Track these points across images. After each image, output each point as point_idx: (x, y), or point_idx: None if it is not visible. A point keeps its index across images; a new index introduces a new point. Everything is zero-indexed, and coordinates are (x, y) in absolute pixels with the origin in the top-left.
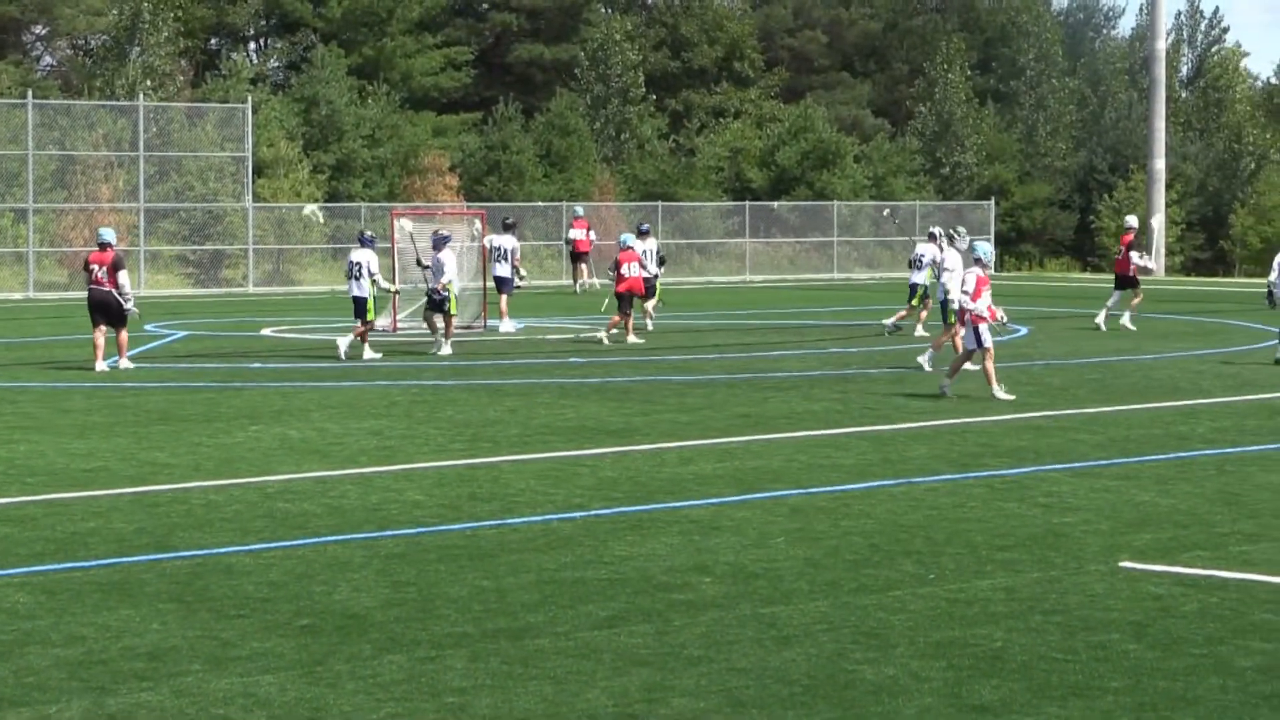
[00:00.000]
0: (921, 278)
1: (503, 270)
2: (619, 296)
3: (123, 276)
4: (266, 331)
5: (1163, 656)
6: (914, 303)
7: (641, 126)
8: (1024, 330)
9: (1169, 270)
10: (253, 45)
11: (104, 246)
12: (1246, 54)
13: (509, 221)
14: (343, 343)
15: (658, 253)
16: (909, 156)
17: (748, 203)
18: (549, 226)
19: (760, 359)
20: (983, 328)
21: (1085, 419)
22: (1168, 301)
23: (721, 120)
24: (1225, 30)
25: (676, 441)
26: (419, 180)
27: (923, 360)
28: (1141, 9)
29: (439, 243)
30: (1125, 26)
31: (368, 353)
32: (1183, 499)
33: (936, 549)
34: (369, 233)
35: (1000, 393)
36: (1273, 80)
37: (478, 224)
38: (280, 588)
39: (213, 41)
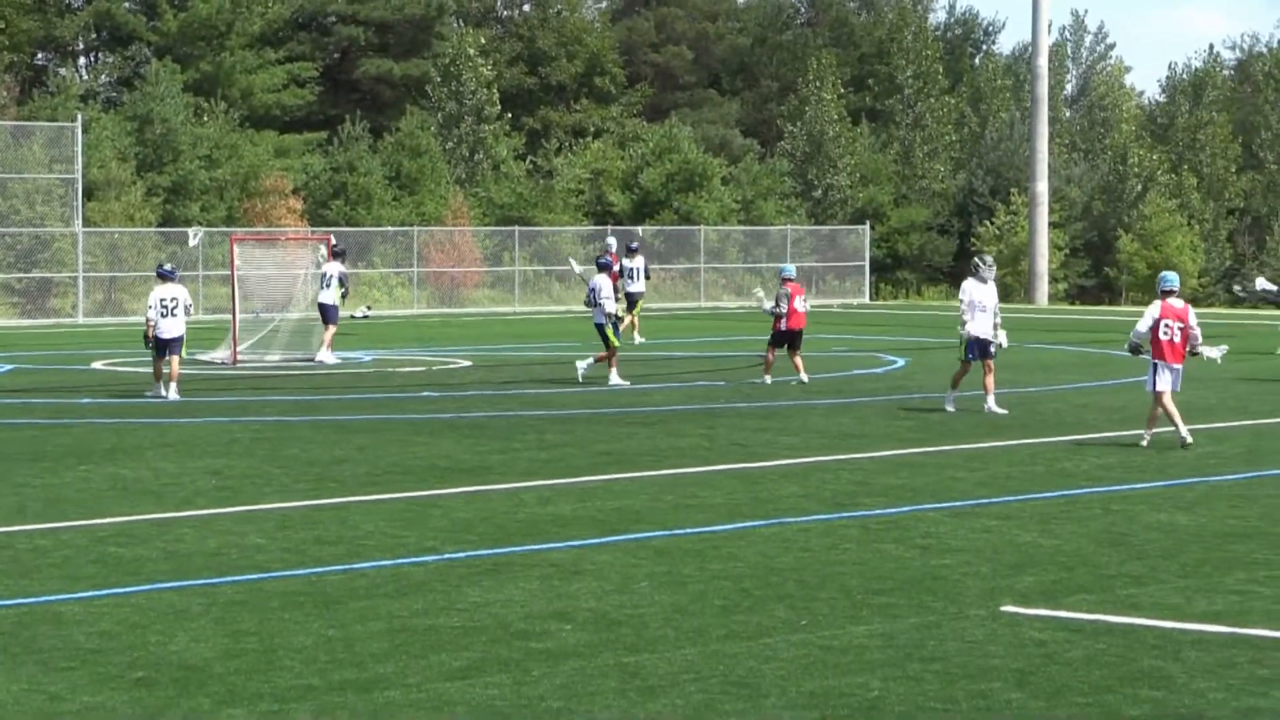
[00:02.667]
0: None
1: (326, 298)
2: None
3: None
4: (98, 365)
5: (1047, 706)
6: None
7: (497, 146)
8: (901, 362)
9: (1052, 299)
10: (83, 60)
11: None
12: (1129, 68)
13: (338, 249)
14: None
15: (644, 269)
16: (779, 179)
17: (610, 227)
18: (399, 253)
19: (623, 393)
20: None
21: (965, 455)
22: (1052, 331)
23: (581, 140)
24: (1111, 46)
25: (535, 480)
26: (260, 204)
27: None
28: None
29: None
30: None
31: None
32: (1067, 539)
33: (809, 593)
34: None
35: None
36: (1159, 98)
37: (323, 250)
38: (113, 638)
39: (40, 56)
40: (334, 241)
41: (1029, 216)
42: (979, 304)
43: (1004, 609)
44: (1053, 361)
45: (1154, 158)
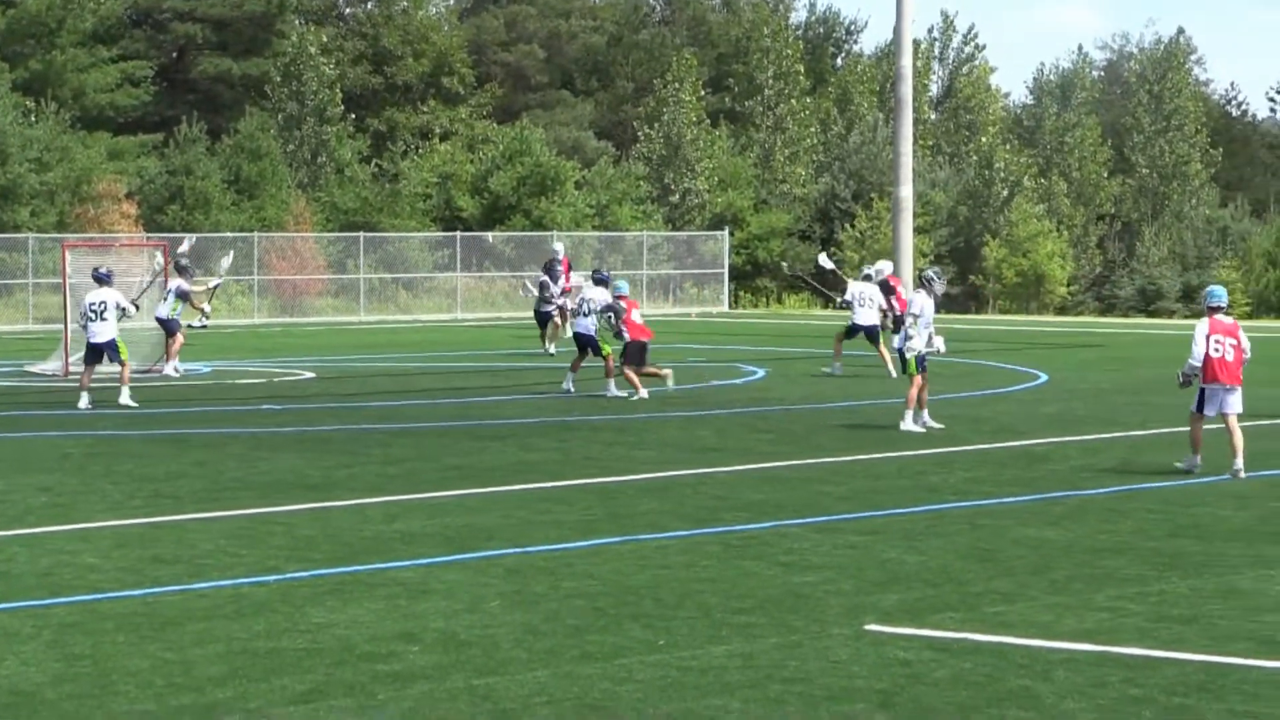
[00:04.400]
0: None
1: (162, 311)
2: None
3: None
4: None
5: None
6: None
7: (340, 149)
8: (761, 373)
9: None
10: None
11: None
12: (994, 69)
13: (183, 263)
14: (124, 397)
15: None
16: (635, 183)
17: (459, 233)
18: (238, 260)
19: (474, 405)
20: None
21: (829, 469)
22: None
23: (429, 142)
24: (981, 48)
25: (381, 496)
26: (93, 208)
27: (906, 424)
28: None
29: None
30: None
31: (125, 397)
32: (933, 555)
33: (667, 612)
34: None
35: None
36: (1027, 100)
37: (159, 257)
38: None
39: None
40: (185, 255)
41: (892, 222)
42: (927, 319)
43: (868, 627)
44: None
45: (1021, 161)
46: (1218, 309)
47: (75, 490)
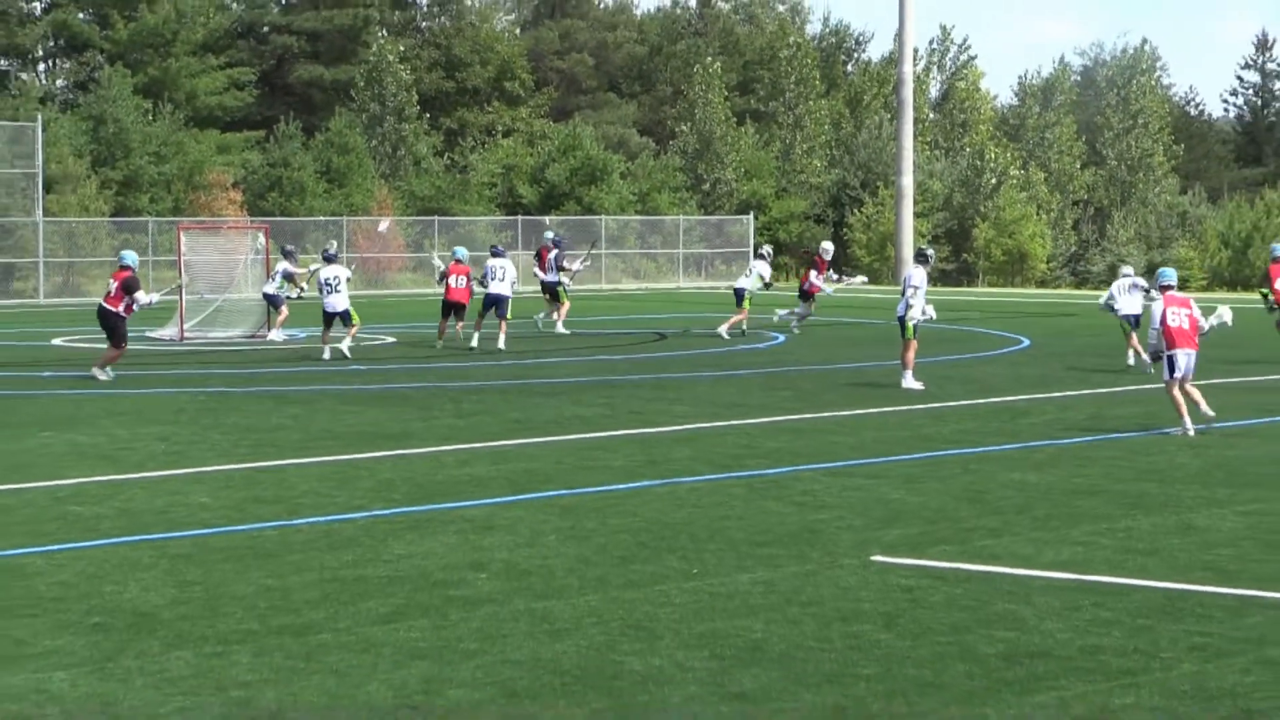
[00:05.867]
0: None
1: (269, 288)
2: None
3: (140, 295)
4: (57, 341)
5: (912, 645)
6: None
7: (417, 144)
8: (781, 338)
9: None
10: (42, 66)
11: (123, 268)
12: (982, 74)
13: (288, 249)
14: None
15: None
16: (672, 173)
17: (520, 217)
18: (326, 239)
19: (532, 366)
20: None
21: (839, 421)
22: None
23: (493, 138)
24: (974, 58)
25: (452, 445)
26: (204, 196)
27: (906, 383)
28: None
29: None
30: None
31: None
32: (930, 496)
33: (699, 545)
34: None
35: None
36: (1013, 102)
37: (260, 238)
38: (72, 587)
39: (2, 62)
40: (291, 248)
41: (895, 207)
42: (924, 289)
43: (874, 559)
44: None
45: (1007, 155)
46: (1168, 287)
47: (188, 439)
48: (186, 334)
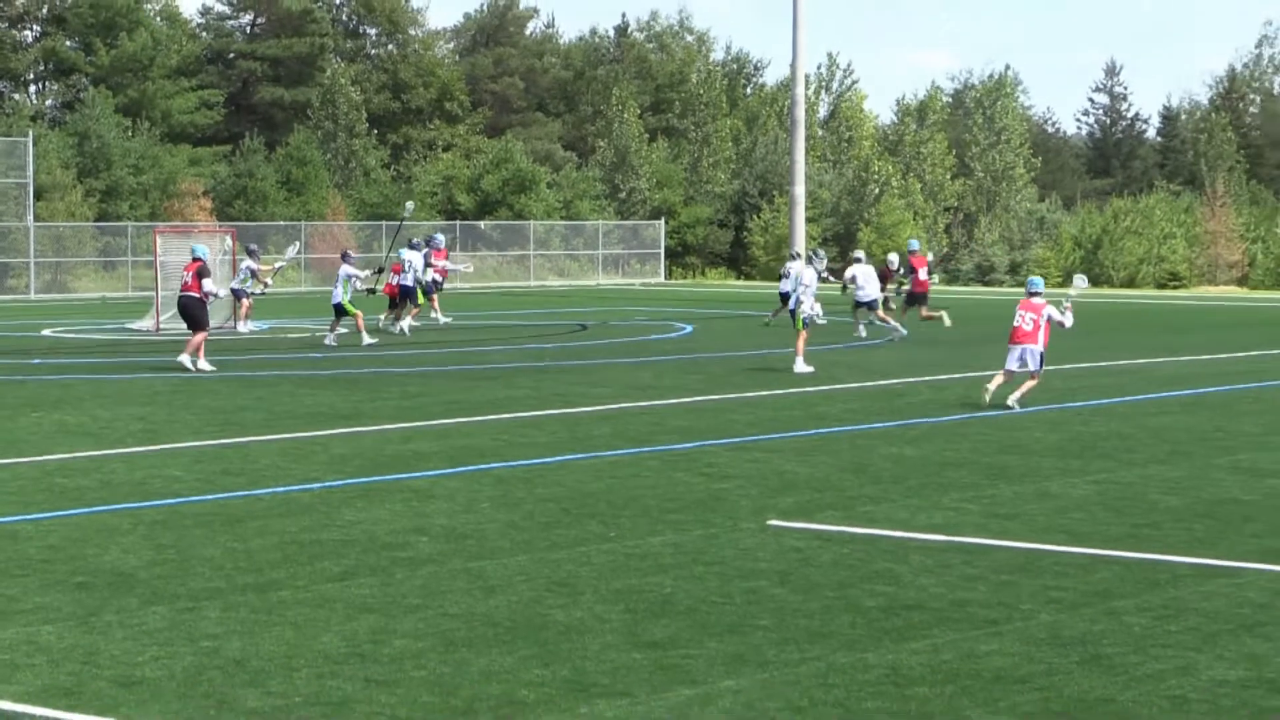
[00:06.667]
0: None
1: (234, 284)
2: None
3: (207, 283)
4: (46, 332)
5: (803, 599)
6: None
7: (366, 157)
8: (689, 328)
9: None
10: (33, 87)
11: (196, 259)
12: (865, 96)
13: (252, 248)
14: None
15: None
16: (592, 183)
17: (458, 222)
18: (289, 242)
19: (469, 353)
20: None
21: (739, 402)
22: None
23: (434, 152)
24: (857, 82)
25: (398, 424)
26: (177, 203)
27: (798, 368)
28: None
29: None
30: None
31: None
32: (819, 468)
33: (616, 511)
34: (350, 252)
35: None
36: (892, 120)
37: (228, 240)
38: (58, 550)
39: None
40: (254, 247)
41: (789, 214)
42: (813, 289)
43: (770, 523)
44: (812, 328)
45: (888, 168)
46: (1034, 294)
47: (163, 419)
48: (162, 326)
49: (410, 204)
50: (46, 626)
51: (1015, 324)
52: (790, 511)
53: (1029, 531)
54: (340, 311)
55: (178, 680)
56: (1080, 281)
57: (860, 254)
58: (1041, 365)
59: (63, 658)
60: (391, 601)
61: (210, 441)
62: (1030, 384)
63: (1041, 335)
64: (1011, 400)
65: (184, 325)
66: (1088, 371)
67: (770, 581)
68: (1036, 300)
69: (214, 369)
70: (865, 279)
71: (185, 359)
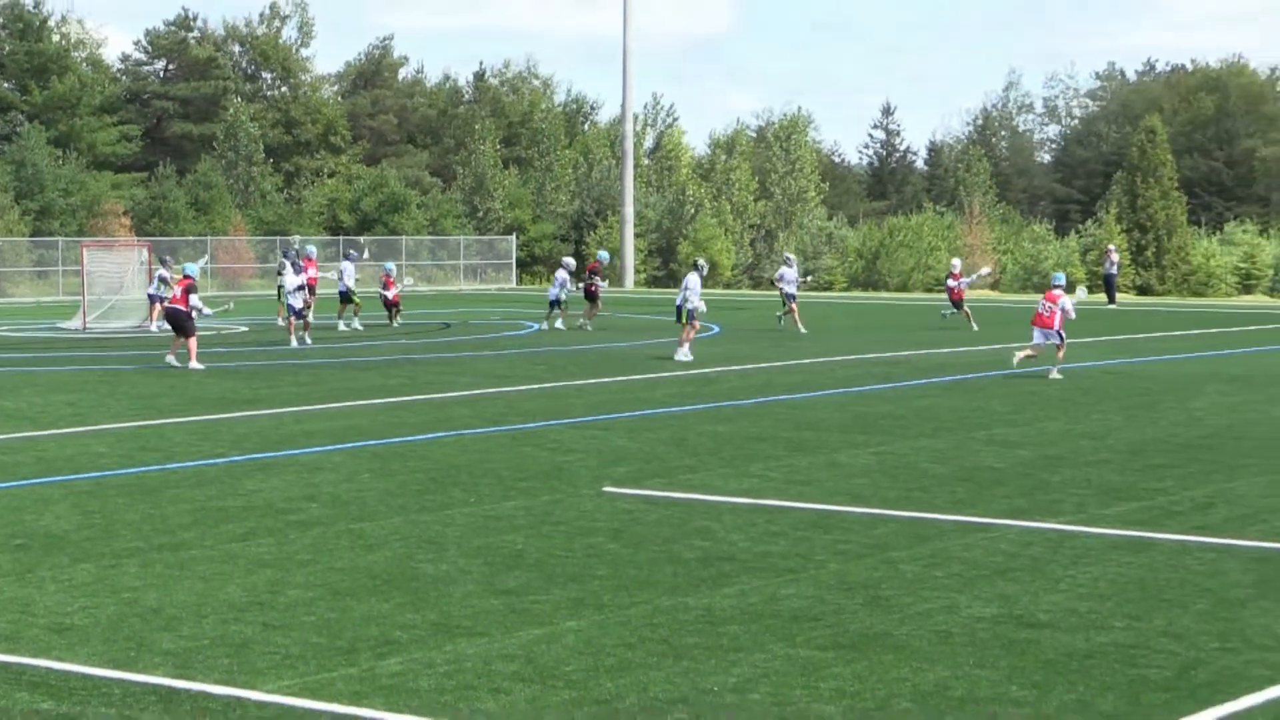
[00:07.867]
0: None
1: (151, 289)
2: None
3: (194, 299)
4: None
5: (633, 552)
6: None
7: (263, 182)
8: (535, 326)
9: (636, 284)
10: None
11: (186, 276)
12: (684, 131)
13: (164, 258)
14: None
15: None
16: (455, 204)
17: (341, 237)
18: (197, 255)
19: (353, 348)
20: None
21: (578, 388)
22: (636, 306)
23: (321, 178)
24: (677, 119)
25: (292, 407)
26: (101, 221)
27: (680, 355)
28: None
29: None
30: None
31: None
32: (646, 443)
33: (476, 480)
34: (355, 251)
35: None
36: (706, 152)
37: (144, 253)
38: None
39: None
40: (167, 258)
41: (620, 230)
42: (697, 290)
43: (605, 489)
44: (640, 326)
45: (702, 191)
46: (1055, 286)
47: (90, 404)
48: (88, 325)
49: (365, 242)
50: None
51: (1038, 310)
52: (622, 479)
53: (821, 495)
54: (346, 298)
55: (103, 626)
56: (1081, 292)
57: (790, 256)
58: (1062, 339)
59: (3, 609)
60: (286, 558)
61: (131, 423)
62: (1060, 354)
63: (1057, 319)
64: (1053, 374)
65: (107, 324)
66: (867, 361)
67: (606, 538)
68: (1056, 291)
69: (203, 367)
70: (787, 281)
71: (171, 359)
